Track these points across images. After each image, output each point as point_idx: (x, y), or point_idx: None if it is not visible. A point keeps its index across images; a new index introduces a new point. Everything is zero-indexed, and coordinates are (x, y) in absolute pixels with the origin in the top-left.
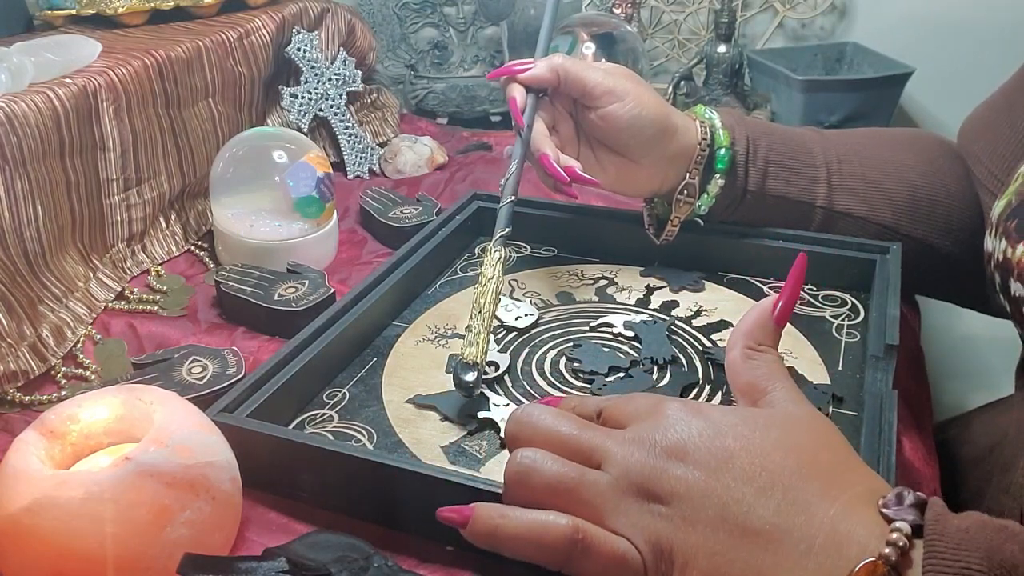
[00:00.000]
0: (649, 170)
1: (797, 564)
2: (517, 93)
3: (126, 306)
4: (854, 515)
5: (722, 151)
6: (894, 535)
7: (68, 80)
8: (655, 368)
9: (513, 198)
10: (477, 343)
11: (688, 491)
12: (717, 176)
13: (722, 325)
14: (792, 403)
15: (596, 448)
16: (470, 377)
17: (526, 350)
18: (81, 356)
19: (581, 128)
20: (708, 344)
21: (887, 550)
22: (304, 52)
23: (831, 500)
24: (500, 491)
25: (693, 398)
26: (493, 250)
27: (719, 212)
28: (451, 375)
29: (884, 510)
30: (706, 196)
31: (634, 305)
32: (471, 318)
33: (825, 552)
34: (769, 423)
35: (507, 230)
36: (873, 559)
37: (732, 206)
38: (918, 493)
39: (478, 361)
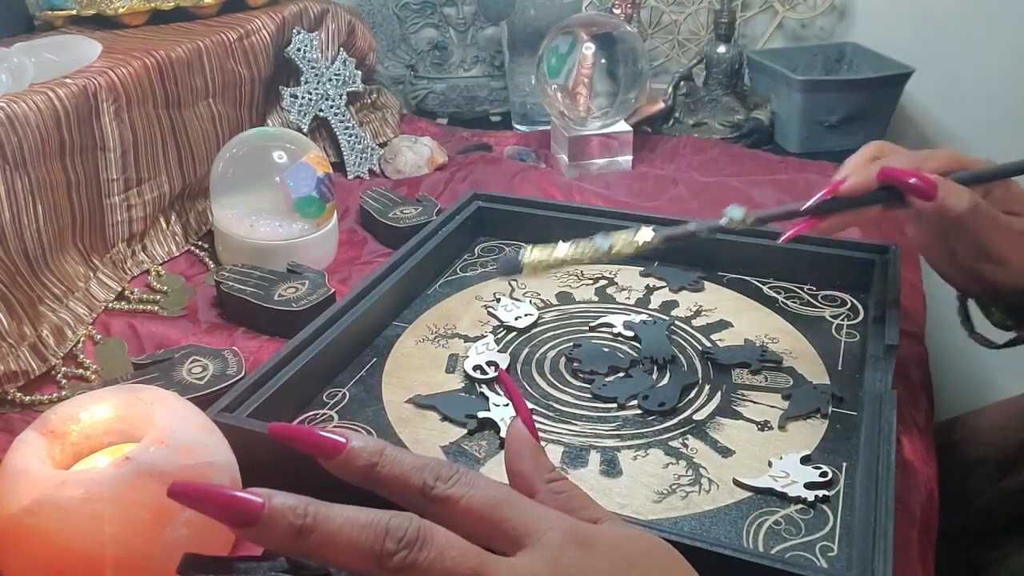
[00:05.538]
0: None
1: None
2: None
3: (126, 306)
4: None
5: None
6: None
7: (68, 80)
8: (655, 368)
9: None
10: (543, 254)
11: None
12: None
13: (722, 325)
14: (620, 522)
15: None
16: (511, 258)
17: (526, 350)
18: (81, 356)
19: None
20: (708, 344)
21: None
22: (304, 52)
23: None
24: None
25: (693, 397)
26: (644, 235)
27: None
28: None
29: None
30: None
31: (634, 305)
32: (570, 246)
33: None
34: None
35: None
36: None
37: None
38: None
39: (527, 261)
